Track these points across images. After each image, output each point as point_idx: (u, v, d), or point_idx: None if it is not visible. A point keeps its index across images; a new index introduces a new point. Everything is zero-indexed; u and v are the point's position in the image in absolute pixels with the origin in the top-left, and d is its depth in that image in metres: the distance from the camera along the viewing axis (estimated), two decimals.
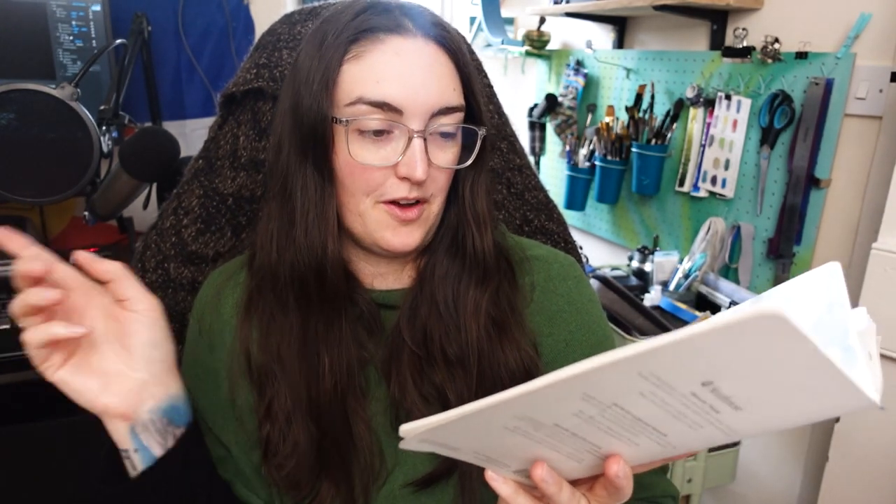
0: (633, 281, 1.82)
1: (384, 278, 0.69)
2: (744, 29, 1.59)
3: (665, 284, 1.68)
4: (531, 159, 1.59)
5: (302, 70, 0.62)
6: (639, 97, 1.88)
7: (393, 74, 0.58)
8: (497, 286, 0.68)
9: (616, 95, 2.04)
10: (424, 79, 0.59)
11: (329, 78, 0.59)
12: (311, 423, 0.63)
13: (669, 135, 1.80)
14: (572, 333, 0.70)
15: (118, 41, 1.46)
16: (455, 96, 0.62)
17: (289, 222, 0.63)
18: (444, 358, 0.65)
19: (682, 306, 1.57)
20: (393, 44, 0.59)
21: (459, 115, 0.62)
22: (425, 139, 0.59)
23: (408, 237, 0.62)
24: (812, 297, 0.43)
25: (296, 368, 0.64)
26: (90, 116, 1.21)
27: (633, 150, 1.87)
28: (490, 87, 0.87)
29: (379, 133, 0.60)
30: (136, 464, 0.58)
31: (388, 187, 0.61)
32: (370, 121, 0.59)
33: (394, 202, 0.61)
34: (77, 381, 0.55)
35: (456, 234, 0.67)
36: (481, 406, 0.38)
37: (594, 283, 1.74)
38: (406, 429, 0.42)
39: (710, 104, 1.69)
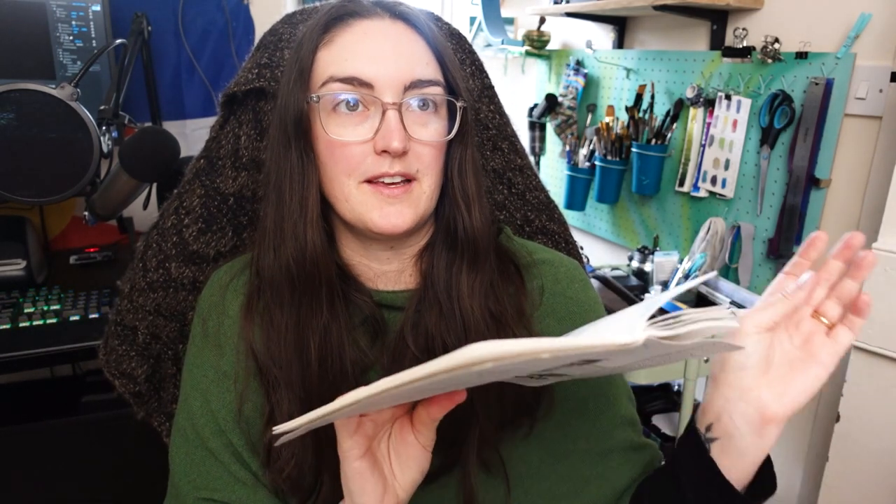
0: (633, 281, 1.82)
1: (386, 278, 0.69)
2: (744, 29, 1.59)
3: (665, 284, 1.68)
4: (531, 159, 1.59)
5: (285, 71, 0.65)
6: (639, 97, 1.88)
7: (361, 51, 0.61)
8: (492, 275, 0.67)
9: (616, 95, 2.04)
10: (393, 52, 0.61)
11: (304, 67, 0.62)
12: None
13: (669, 135, 1.80)
14: None
15: (118, 41, 1.46)
16: (428, 70, 0.63)
17: (280, 218, 0.64)
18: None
19: (682, 306, 1.57)
20: (361, 25, 0.62)
21: (436, 89, 0.63)
22: (401, 111, 0.60)
23: (396, 217, 0.62)
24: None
25: (292, 364, 0.64)
26: (90, 116, 1.21)
27: (633, 150, 1.87)
28: (491, 87, 0.87)
29: (353, 107, 0.61)
30: None
31: (368, 164, 0.61)
32: (341, 94, 0.60)
33: (377, 181, 0.61)
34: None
35: (449, 221, 0.67)
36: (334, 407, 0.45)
37: (594, 283, 1.74)
38: (279, 430, 0.48)
39: (710, 104, 1.69)
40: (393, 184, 0.62)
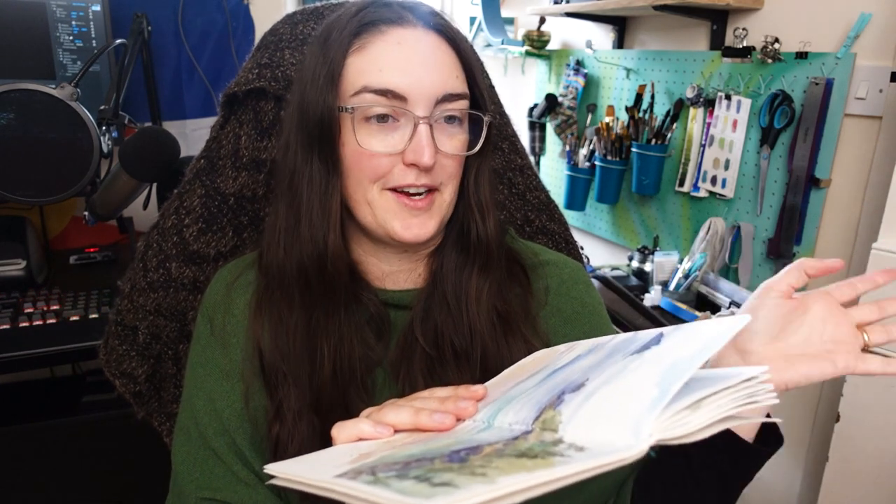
0: (633, 281, 1.82)
1: (395, 278, 0.69)
2: (744, 29, 1.59)
3: (665, 284, 1.68)
4: (531, 159, 1.59)
5: (307, 69, 0.63)
6: (639, 97, 1.88)
7: (395, 63, 0.60)
8: (501, 278, 0.68)
9: (616, 95, 2.04)
10: (427, 66, 0.60)
11: (334, 72, 0.61)
12: (315, 418, 0.63)
13: (669, 135, 1.80)
14: (586, 335, 0.71)
15: (118, 41, 1.46)
16: (458, 84, 0.63)
17: (295, 219, 0.64)
18: (453, 353, 0.65)
19: (682, 306, 1.57)
20: (394, 34, 0.61)
21: (464, 103, 0.63)
22: (431, 125, 0.60)
23: (420, 228, 0.62)
24: (695, 341, 0.44)
25: (301, 363, 0.64)
26: (90, 116, 1.21)
27: (633, 150, 1.87)
28: (492, 87, 0.87)
29: (384, 119, 0.60)
30: None
31: (395, 174, 0.61)
32: (375, 107, 0.60)
33: (401, 190, 0.62)
34: None
35: (462, 225, 0.68)
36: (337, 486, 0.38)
37: (594, 282, 1.74)
38: (273, 470, 0.45)
39: (710, 104, 1.69)
40: (417, 195, 0.62)
